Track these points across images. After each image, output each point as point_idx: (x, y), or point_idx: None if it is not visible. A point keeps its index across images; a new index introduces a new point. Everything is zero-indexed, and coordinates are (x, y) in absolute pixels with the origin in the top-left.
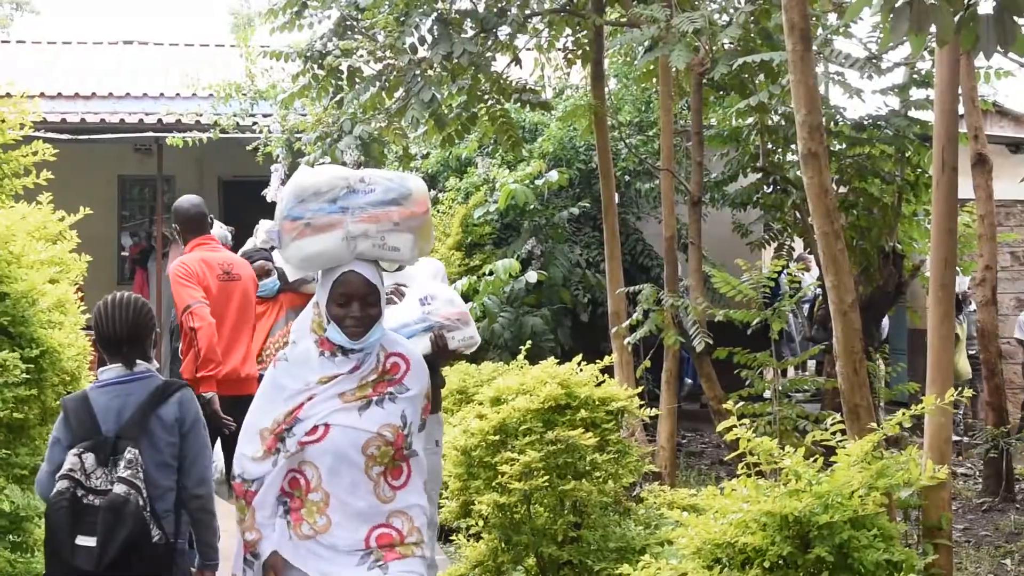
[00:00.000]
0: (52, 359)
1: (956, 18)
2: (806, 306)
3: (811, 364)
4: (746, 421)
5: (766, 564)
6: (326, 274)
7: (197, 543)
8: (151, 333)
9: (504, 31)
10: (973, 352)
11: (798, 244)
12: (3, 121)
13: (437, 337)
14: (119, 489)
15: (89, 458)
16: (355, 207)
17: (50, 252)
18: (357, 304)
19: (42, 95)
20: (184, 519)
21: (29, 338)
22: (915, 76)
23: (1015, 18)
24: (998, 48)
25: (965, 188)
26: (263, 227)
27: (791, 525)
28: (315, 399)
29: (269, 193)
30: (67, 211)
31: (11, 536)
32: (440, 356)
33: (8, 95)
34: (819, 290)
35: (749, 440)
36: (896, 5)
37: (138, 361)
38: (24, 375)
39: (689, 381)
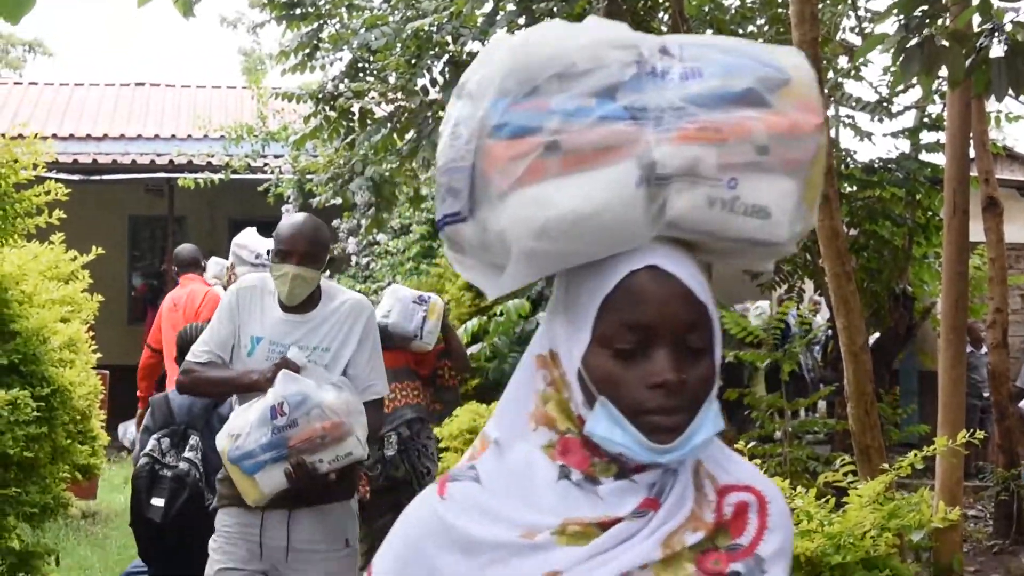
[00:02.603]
0: (63, 398)
1: (968, 61)
2: (816, 348)
3: (822, 405)
4: (757, 462)
5: None
6: (582, 276)
7: None
8: None
9: None
10: (986, 395)
11: (809, 286)
12: (16, 161)
13: (296, 468)
14: (183, 465)
15: (165, 442)
16: (662, 108)
17: (62, 291)
18: (668, 352)
19: (55, 136)
20: None
21: (40, 377)
22: (926, 119)
23: None
24: (1010, 92)
25: (976, 231)
26: (241, 241)
27: (803, 566)
28: None
29: None
30: (79, 251)
31: (21, 574)
32: (306, 482)
33: (20, 136)
34: (831, 331)
35: None
36: (907, 46)
37: None
38: (35, 413)
39: None
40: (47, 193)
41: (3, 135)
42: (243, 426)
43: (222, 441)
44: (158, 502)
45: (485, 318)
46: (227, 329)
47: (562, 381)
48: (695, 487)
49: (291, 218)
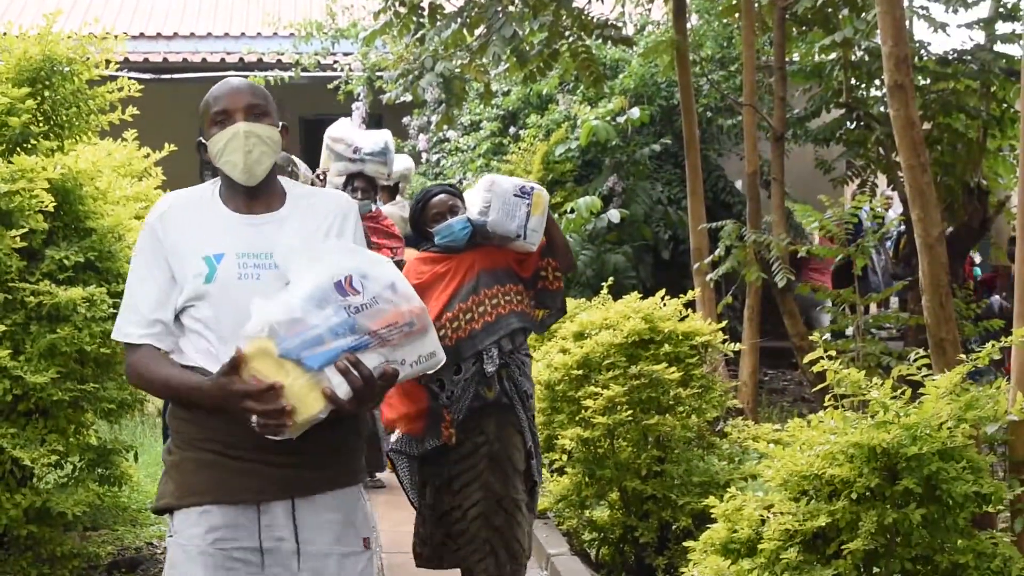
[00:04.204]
0: None
1: None
2: (888, 243)
3: (893, 302)
4: (832, 353)
5: (853, 496)
6: None
7: None
8: None
9: None
10: None
11: (881, 181)
12: (88, 58)
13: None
14: None
15: None
16: None
17: (136, 188)
18: None
19: (125, 35)
20: None
21: (115, 273)
22: (1001, 9)
23: None
24: None
25: None
26: (337, 134)
27: (879, 457)
28: None
29: None
30: (151, 150)
31: (99, 469)
32: (376, 396)
33: (92, 34)
34: (903, 227)
35: (836, 372)
36: None
37: None
38: (111, 310)
39: None
40: (120, 90)
41: (74, 32)
42: (286, 312)
43: (254, 331)
44: None
45: (556, 215)
46: (158, 277)
47: None
48: None
49: (219, 84)
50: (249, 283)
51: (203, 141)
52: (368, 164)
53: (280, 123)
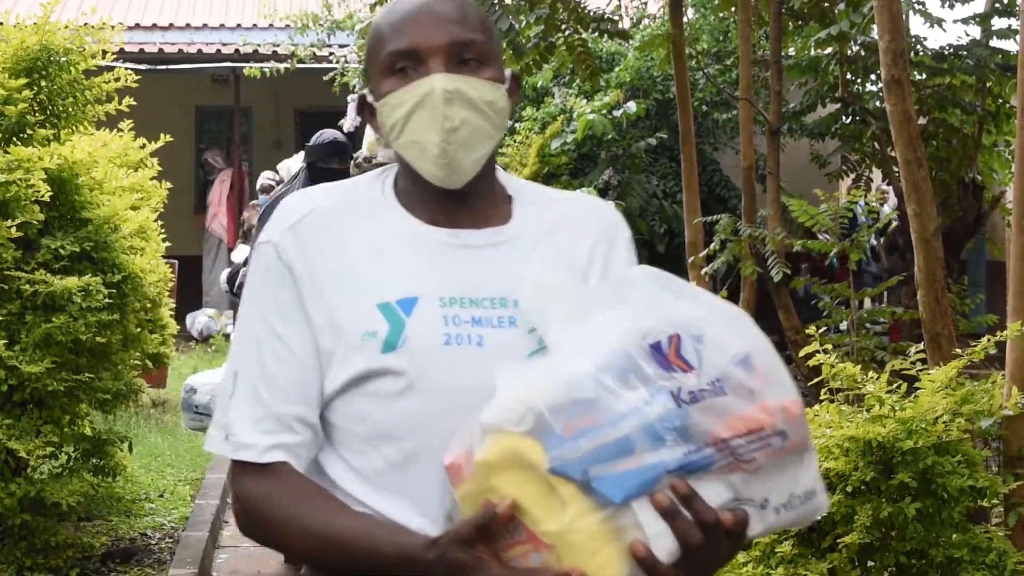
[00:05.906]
0: (134, 284)
1: None
2: (882, 238)
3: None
4: (828, 346)
5: (848, 489)
6: None
7: None
8: None
9: None
10: None
11: (877, 175)
12: (84, 49)
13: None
14: None
15: None
16: None
17: (131, 179)
18: None
19: (121, 25)
20: None
21: (111, 264)
22: (997, 5)
23: None
24: None
25: None
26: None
27: (874, 451)
28: None
29: (345, 124)
30: (147, 140)
31: (94, 459)
32: (718, 561)
33: (88, 24)
34: (893, 221)
35: (832, 366)
36: None
37: None
38: (106, 300)
39: None
40: (116, 80)
41: (71, 22)
42: (565, 388)
43: (500, 418)
44: None
45: None
46: (295, 341)
47: None
48: None
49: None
50: (465, 351)
51: (370, 101)
52: None
53: (508, 73)
